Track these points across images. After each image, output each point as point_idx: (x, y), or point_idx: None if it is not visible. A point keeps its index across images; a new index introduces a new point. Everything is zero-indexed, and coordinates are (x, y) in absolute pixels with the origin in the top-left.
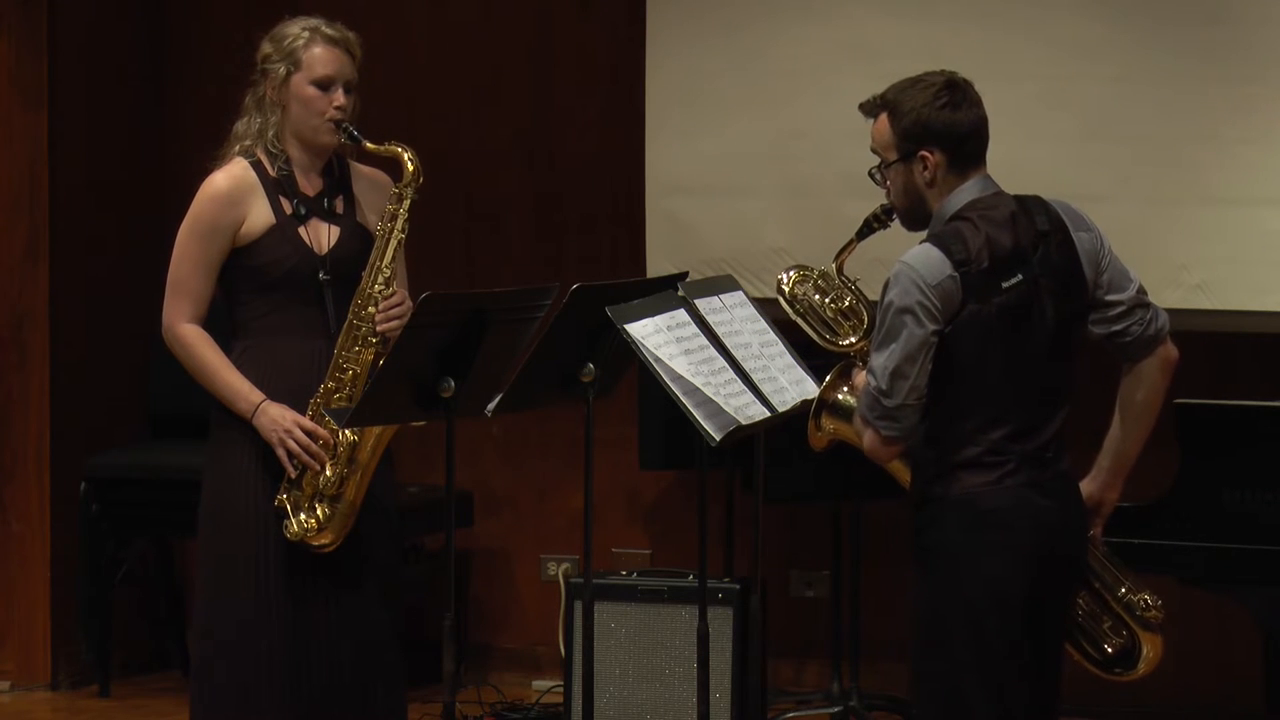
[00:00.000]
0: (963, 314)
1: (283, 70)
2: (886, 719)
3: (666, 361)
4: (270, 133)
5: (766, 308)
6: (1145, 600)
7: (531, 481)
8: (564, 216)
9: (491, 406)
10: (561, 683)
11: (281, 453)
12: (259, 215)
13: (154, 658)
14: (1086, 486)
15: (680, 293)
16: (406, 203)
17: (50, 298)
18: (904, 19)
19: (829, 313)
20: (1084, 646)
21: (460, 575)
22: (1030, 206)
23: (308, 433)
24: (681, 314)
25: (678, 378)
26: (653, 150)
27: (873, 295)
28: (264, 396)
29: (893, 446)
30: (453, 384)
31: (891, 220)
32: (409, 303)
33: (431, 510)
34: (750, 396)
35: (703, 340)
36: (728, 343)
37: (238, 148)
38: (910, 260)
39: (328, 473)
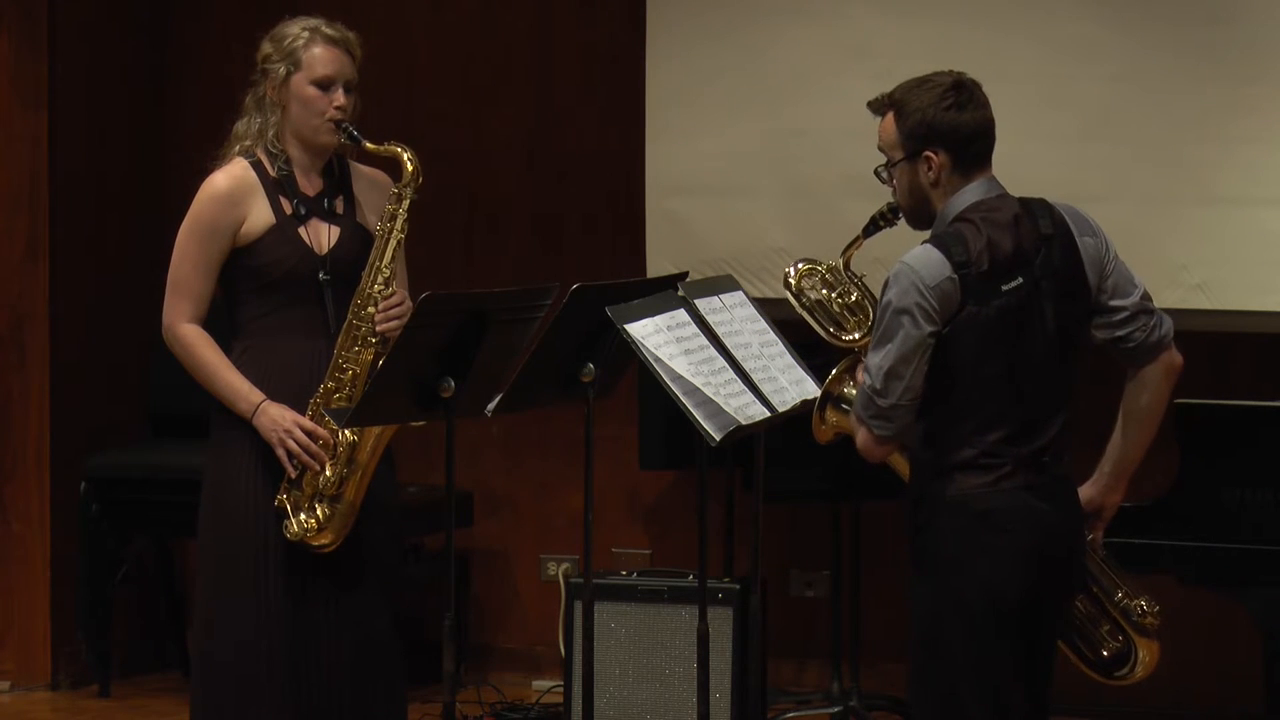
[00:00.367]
0: (961, 316)
1: (283, 70)
2: (886, 719)
3: (666, 361)
4: (270, 133)
5: (766, 308)
6: (1142, 606)
7: (531, 481)
8: (564, 216)
9: (491, 406)
10: (561, 683)
11: (281, 453)
12: (259, 215)
13: (154, 658)
14: (1087, 491)
15: (680, 293)
16: (406, 203)
17: (50, 298)
18: (904, 19)
19: (835, 307)
20: (1081, 649)
21: (460, 575)
22: (1034, 209)
23: (308, 433)
24: (681, 314)
25: (678, 378)
26: (653, 150)
27: (874, 289)
28: (264, 396)
29: (885, 446)
30: (453, 384)
31: (898, 218)
32: (409, 303)
33: (431, 510)
34: (750, 396)
35: (703, 340)
36: (728, 343)
37: (238, 148)
38: (910, 261)
39: (327, 473)
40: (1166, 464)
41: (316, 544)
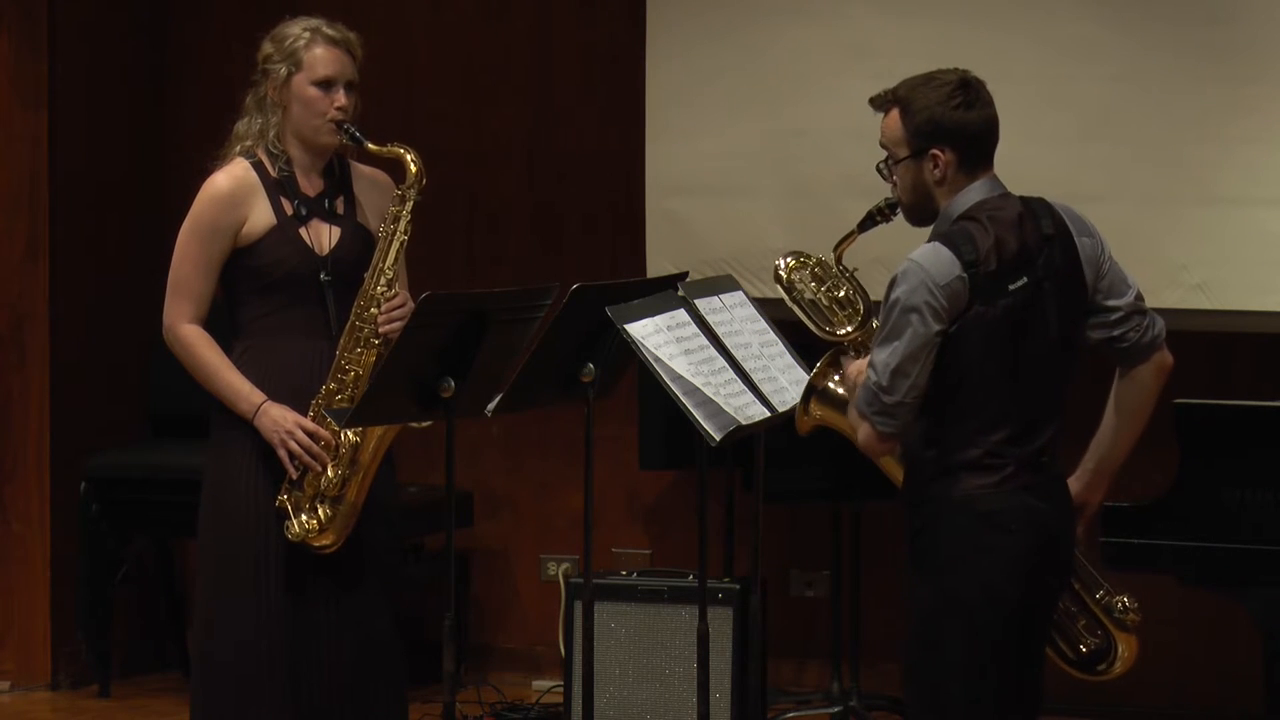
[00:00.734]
0: (969, 315)
1: (284, 71)
2: (886, 719)
3: (666, 361)
4: (271, 133)
5: (766, 308)
6: (1124, 602)
7: (531, 481)
8: (564, 216)
9: (491, 406)
10: (561, 683)
11: (283, 454)
12: (260, 216)
13: (154, 658)
14: (1071, 487)
15: (680, 293)
16: (409, 204)
17: (50, 298)
18: (904, 19)
19: (824, 301)
20: (1059, 645)
21: (460, 575)
22: (1036, 209)
23: (309, 434)
24: (681, 314)
25: (678, 378)
26: (653, 150)
27: (870, 287)
28: (265, 397)
29: (887, 442)
30: (453, 384)
31: (895, 214)
32: (411, 304)
33: (431, 510)
34: (750, 396)
35: (703, 340)
36: (728, 343)
37: (239, 148)
38: (919, 259)
39: (329, 474)
40: (1166, 464)
41: (318, 545)
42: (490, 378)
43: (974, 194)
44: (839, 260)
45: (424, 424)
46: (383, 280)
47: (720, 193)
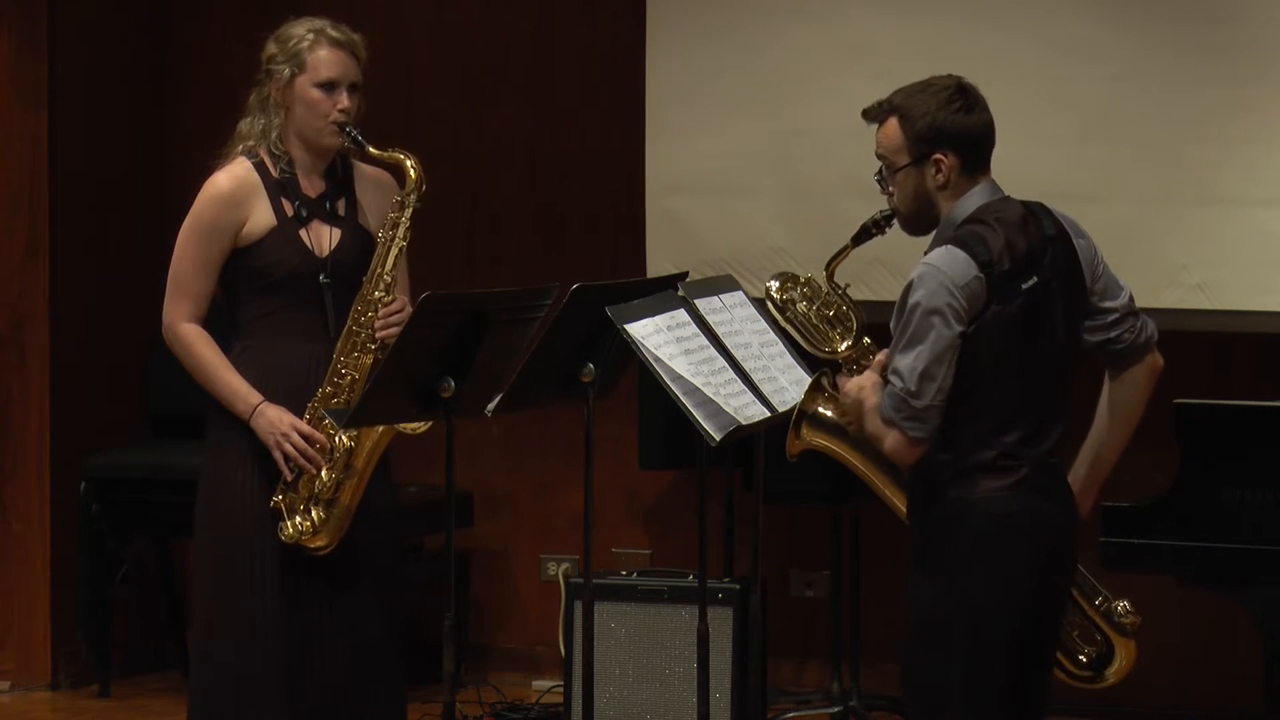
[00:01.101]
0: (986, 315)
1: (287, 72)
2: (886, 719)
3: (666, 361)
4: (274, 133)
5: (766, 308)
6: (1125, 606)
7: (531, 481)
8: (564, 216)
9: (491, 406)
10: (561, 683)
11: (278, 455)
12: (261, 216)
13: (154, 658)
14: None
15: (680, 293)
16: (409, 210)
17: (50, 298)
18: (904, 19)
19: (814, 320)
20: (1059, 659)
21: (460, 575)
22: (1036, 211)
23: (305, 436)
24: (681, 314)
25: (678, 378)
26: (653, 150)
27: (870, 289)
28: (262, 398)
29: (917, 448)
30: (453, 384)
31: (889, 226)
32: (409, 309)
33: (431, 510)
34: (750, 396)
35: (703, 340)
36: (728, 343)
37: (241, 147)
38: (935, 262)
39: (324, 477)
40: (1166, 464)
41: (312, 546)
42: (490, 378)
43: (976, 198)
44: (830, 277)
45: (419, 429)
46: (380, 285)
47: (720, 193)
